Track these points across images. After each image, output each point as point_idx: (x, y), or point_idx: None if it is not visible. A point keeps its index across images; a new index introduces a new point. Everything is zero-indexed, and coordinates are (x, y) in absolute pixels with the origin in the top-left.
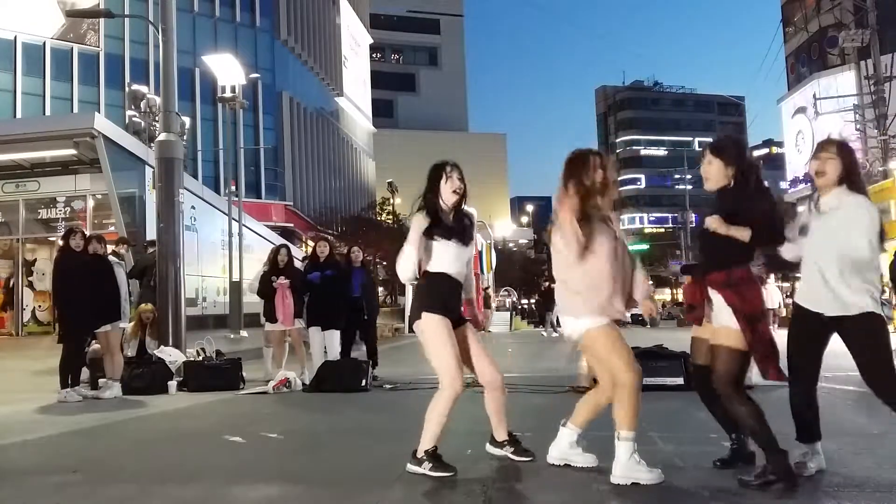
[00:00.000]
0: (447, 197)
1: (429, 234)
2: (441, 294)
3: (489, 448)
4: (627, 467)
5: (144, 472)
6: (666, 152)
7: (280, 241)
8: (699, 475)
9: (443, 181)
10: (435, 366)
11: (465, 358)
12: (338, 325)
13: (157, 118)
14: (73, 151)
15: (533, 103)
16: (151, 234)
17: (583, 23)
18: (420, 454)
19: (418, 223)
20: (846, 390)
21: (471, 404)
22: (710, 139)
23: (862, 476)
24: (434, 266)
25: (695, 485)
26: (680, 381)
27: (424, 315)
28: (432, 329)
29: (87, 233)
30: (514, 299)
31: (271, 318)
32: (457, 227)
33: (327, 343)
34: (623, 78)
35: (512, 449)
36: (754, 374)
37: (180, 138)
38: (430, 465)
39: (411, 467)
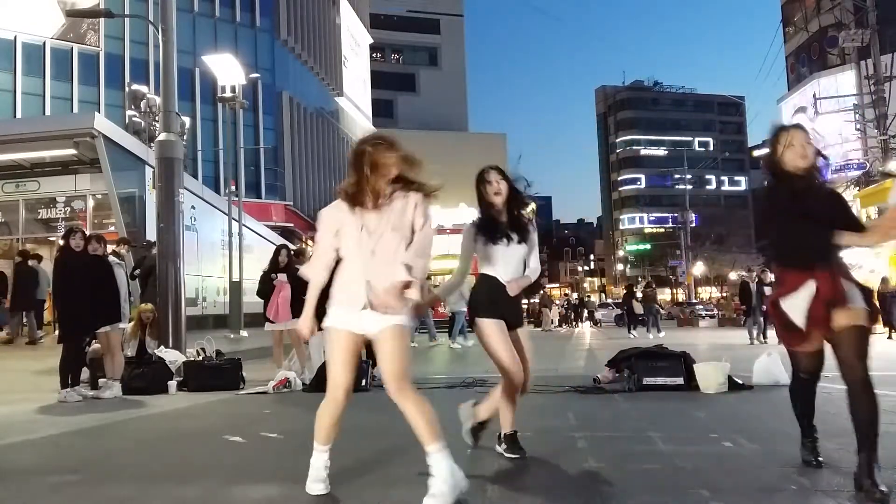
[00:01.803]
0: (491, 200)
1: (478, 237)
2: (483, 295)
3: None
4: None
5: (144, 472)
6: (666, 152)
7: (280, 241)
8: (699, 475)
9: (483, 187)
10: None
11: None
12: None
13: (157, 118)
14: (73, 151)
15: (533, 103)
16: (151, 234)
17: (583, 23)
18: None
19: (464, 235)
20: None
21: None
22: (710, 139)
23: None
24: (483, 268)
25: (695, 485)
26: (680, 381)
27: (475, 319)
28: (487, 331)
29: (88, 233)
30: None
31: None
32: (505, 227)
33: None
34: (623, 78)
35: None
36: (754, 376)
37: (180, 138)
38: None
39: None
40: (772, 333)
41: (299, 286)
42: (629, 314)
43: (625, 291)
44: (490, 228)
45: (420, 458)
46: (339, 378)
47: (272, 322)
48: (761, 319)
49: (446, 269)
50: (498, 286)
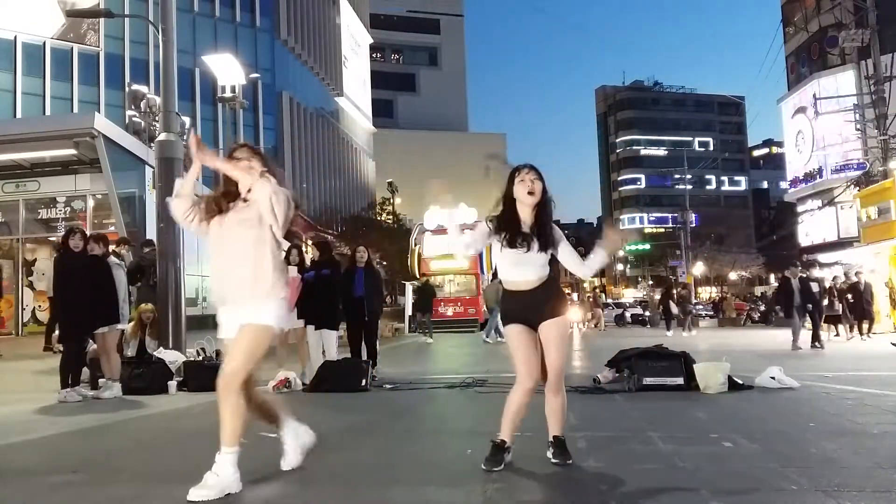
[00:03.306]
0: (522, 198)
1: (496, 235)
2: (505, 306)
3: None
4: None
5: (144, 472)
6: (666, 152)
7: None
8: (699, 475)
9: (514, 185)
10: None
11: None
12: (333, 326)
13: (157, 118)
14: (73, 151)
15: (533, 103)
16: (152, 234)
17: (583, 23)
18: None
19: (479, 227)
20: (846, 390)
21: (471, 404)
22: (710, 139)
23: (862, 476)
24: (501, 272)
25: (695, 485)
26: (680, 381)
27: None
28: (508, 337)
29: (88, 233)
30: None
31: None
32: (529, 232)
33: (324, 343)
34: (623, 78)
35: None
36: (757, 377)
37: (180, 138)
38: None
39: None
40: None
41: (316, 286)
42: (666, 313)
43: (663, 291)
44: (512, 230)
45: (420, 458)
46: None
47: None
48: (799, 321)
49: (447, 270)
50: (516, 295)
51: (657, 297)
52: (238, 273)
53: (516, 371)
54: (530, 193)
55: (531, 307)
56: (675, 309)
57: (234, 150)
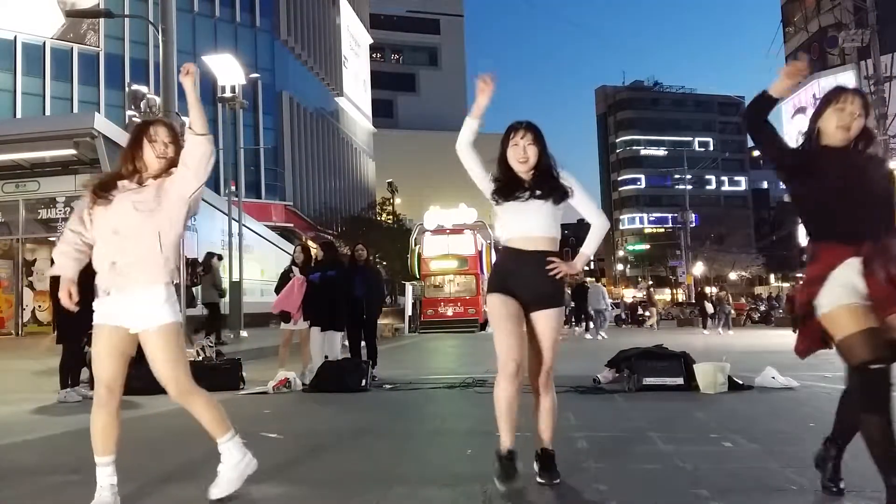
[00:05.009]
0: (514, 166)
1: (494, 195)
2: (495, 268)
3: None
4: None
5: (144, 472)
6: (666, 152)
7: (278, 240)
8: (699, 475)
9: (507, 149)
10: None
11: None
12: (338, 327)
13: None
14: (73, 151)
15: (533, 103)
16: None
17: (583, 23)
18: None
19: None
20: None
21: (471, 404)
22: (710, 139)
23: (862, 476)
24: (502, 234)
25: (695, 485)
26: (680, 381)
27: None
28: (489, 308)
29: None
30: None
31: (286, 317)
32: (527, 182)
33: (328, 343)
34: (623, 78)
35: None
36: (757, 377)
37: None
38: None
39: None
40: None
41: (321, 287)
42: (702, 313)
43: (698, 292)
44: (509, 185)
45: (420, 458)
46: (100, 372)
47: (286, 322)
48: None
49: (447, 270)
50: (512, 255)
51: (658, 297)
52: (137, 260)
53: (497, 353)
54: (522, 161)
55: (525, 278)
56: (710, 308)
57: (150, 123)
